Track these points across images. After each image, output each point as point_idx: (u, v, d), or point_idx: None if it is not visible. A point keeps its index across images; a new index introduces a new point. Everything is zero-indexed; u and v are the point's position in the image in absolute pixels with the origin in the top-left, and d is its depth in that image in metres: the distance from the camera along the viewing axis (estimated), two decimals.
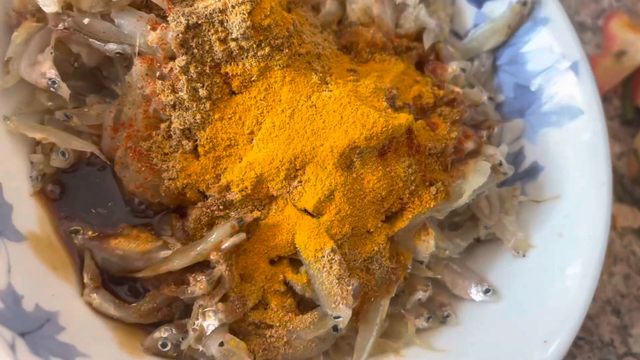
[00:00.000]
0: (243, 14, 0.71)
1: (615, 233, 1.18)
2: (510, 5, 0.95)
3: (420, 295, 0.83)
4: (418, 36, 0.94)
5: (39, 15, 0.74)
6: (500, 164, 0.85)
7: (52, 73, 0.72)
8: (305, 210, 0.75)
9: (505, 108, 0.98)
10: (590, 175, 0.87)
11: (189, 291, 0.71)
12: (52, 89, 0.73)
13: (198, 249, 0.71)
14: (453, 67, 0.92)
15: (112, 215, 0.79)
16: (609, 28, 1.32)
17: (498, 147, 0.90)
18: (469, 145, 0.85)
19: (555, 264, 0.85)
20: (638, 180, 1.19)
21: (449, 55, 0.95)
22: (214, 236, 0.72)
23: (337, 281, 0.73)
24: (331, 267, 0.73)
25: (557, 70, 0.92)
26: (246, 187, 0.74)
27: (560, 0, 0.95)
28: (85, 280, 0.73)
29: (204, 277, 0.71)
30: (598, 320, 1.10)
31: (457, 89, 0.88)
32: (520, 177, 0.93)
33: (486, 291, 0.85)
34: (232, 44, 0.73)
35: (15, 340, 0.57)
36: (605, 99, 1.28)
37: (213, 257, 0.71)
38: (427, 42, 0.92)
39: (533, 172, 0.93)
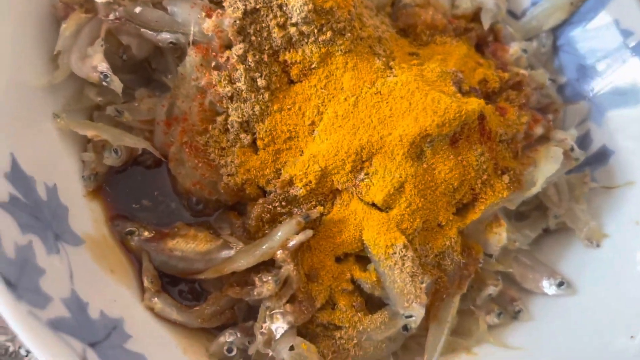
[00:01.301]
0: None
1: None
2: None
3: (491, 290, 0.79)
4: (475, 17, 0.90)
5: (88, 5, 0.70)
6: (572, 149, 0.81)
7: (104, 66, 0.69)
8: (374, 204, 0.71)
9: (568, 90, 0.93)
10: None
11: (255, 293, 0.67)
12: (104, 82, 0.69)
13: (264, 247, 0.67)
14: (515, 48, 0.88)
15: (167, 214, 0.75)
16: None
17: (566, 131, 0.85)
18: (538, 130, 0.81)
19: (633, 253, 0.80)
20: None
21: (508, 36, 0.90)
22: (280, 234, 0.67)
23: (410, 279, 0.68)
24: (403, 264, 0.68)
25: (625, 48, 0.87)
26: (310, 182, 0.70)
27: None
28: (146, 284, 0.69)
29: (270, 277, 0.67)
30: None
31: (523, 71, 0.83)
32: (589, 163, 0.87)
33: (560, 284, 0.81)
34: (292, 30, 0.69)
35: (86, 352, 0.54)
36: None
37: (279, 256, 0.67)
38: (485, 23, 0.87)
39: (602, 156, 0.88)
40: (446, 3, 0.88)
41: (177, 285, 0.73)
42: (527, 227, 0.84)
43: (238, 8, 0.67)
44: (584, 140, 0.89)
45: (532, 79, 0.84)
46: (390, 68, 0.73)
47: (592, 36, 0.90)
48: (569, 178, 0.85)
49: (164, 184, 0.76)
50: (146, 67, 0.77)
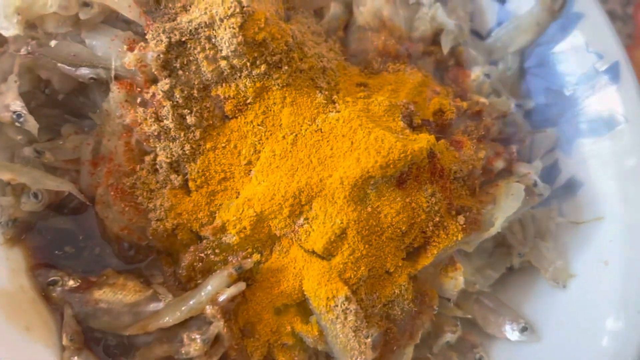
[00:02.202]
0: (233, 28, 0.61)
1: None
2: (538, 1, 0.84)
3: (449, 337, 0.74)
4: (435, 39, 0.84)
5: None
6: (535, 184, 0.75)
7: (18, 105, 0.64)
8: (314, 252, 0.65)
9: (536, 116, 0.88)
10: (634, 192, 0.77)
11: (183, 352, 0.62)
12: (17, 123, 0.63)
13: (191, 303, 0.62)
14: (476, 73, 0.82)
15: (95, 261, 0.70)
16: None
17: (530, 162, 0.80)
18: (499, 164, 0.76)
19: (601, 296, 0.75)
20: None
21: (470, 59, 0.85)
22: (209, 287, 0.62)
23: (353, 334, 0.63)
24: (346, 318, 0.63)
25: (594, 73, 0.82)
26: (245, 228, 0.64)
27: None
28: (64, 341, 0.64)
29: (198, 336, 0.61)
30: None
31: (482, 100, 0.78)
32: (557, 195, 0.83)
33: (523, 329, 0.76)
34: (223, 63, 0.63)
35: None
36: None
37: (209, 312, 0.62)
38: (445, 46, 0.82)
39: (571, 188, 0.82)
40: (403, 25, 0.82)
41: (103, 340, 0.67)
42: (489, 267, 0.79)
43: (161, 41, 0.62)
44: (551, 171, 0.84)
45: (494, 108, 0.79)
46: (334, 102, 0.68)
47: (561, 59, 0.85)
48: (535, 213, 0.80)
49: (92, 229, 0.70)
50: (73, 101, 0.72)
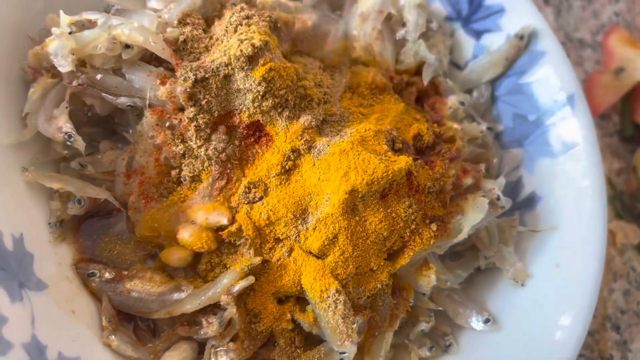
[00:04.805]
0: (245, 68, 0.74)
1: (615, 249, 1.20)
2: (507, 39, 0.97)
3: (423, 326, 0.87)
4: (418, 70, 0.97)
5: (54, 71, 0.77)
6: (498, 198, 0.88)
7: (69, 127, 0.76)
8: (311, 252, 0.78)
9: (505, 137, 1.00)
10: (586, 206, 0.89)
11: (202, 332, 0.75)
12: (68, 142, 0.76)
13: (209, 293, 0.75)
14: (452, 101, 0.95)
15: (127, 257, 0.82)
16: (608, 44, 1.34)
17: (497, 178, 0.92)
18: (468, 180, 0.88)
19: (553, 294, 0.87)
20: (637, 196, 1.21)
21: (448, 89, 0.97)
22: (224, 280, 0.75)
23: (342, 320, 0.76)
24: (336, 307, 0.76)
25: (554, 102, 0.95)
26: (254, 231, 0.77)
27: (559, 16, 0.96)
28: (104, 323, 0.77)
29: (215, 319, 0.75)
30: (598, 336, 1.13)
31: (456, 126, 0.91)
32: (519, 207, 0.95)
33: (486, 321, 0.88)
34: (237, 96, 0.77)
35: None
36: (605, 115, 1.30)
37: (224, 300, 0.75)
38: (425, 78, 0.95)
39: (531, 202, 0.95)
40: (390, 59, 0.95)
41: (132, 323, 0.80)
42: (459, 267, 0.92)
43: (189, 77, 0.75)
44: (515, 186, 0.97)
45: (466, 132, 0.92)
46: (330, 129, 0.81)
47: (527, 89, 0.98)
48: (500, 222, 0.93)
49: (124, 229, 0.83)
50: (110, 122, 0.85)
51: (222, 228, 0.78)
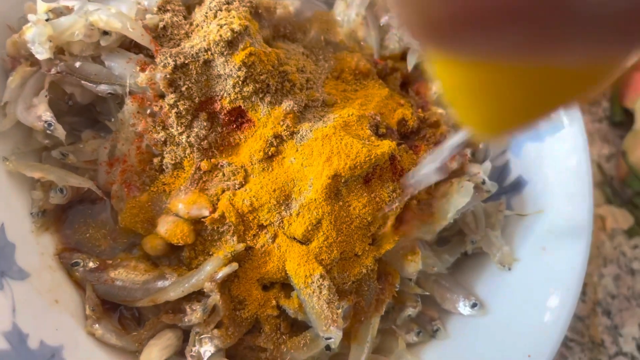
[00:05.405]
0: (225, 53, 0.74)
1: (605, 234, 1.20)
2: None
3: (410, 311, 0.87)
4: (403, 56, 0.97)
5: (32, 59, 0.77)
6: (484, 182, 0.88)
7: (48, 115, 0.75)
8: (295, 238, 0.78)
9: None
10: (571, 186, 0.89)
11: (186, 320, 0.75)
12: (48, 131, 0.76)
13: (193, 280, 0.75)
14: (437, 86, 0.95)
15: (110, 246, 0.82)
16: None
17: (483, 162, 0.92)
18: (453, 165, 0.88)
19: (539, 277, 0.87)
20: (627, 181, 1.21)
21: (432, 74, 0.97)
22: (207, 267, 0.75)
23: (327, 305, 0.76)
24: (321, 292, 0.76)
25: None
26: (237, 217, 0.77)
27: None
28: (87, 312, 0.76)
29: (199, 306, 0.74)
30: (589, 321, 1.13)
31: (440, 111, 0.91)
32: (506, 191, 0.95)
33: (473, 305, 0.88)
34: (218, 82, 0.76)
35: None
36: (594, 101, 1.30)
37: (207, 287, 0.74)
38: (410, 64, 0.94)
39: (518, 186, 0.95)
40: (375, 45, 0.95)
41: (118, 312, 0.80)
42: (446, 252, 0.91)
43: (168, 64, 0.75)
44: (503, 170, 0.97)
45: (451, 117, 0.92)
46: (313, 114, 0.81)
47: None
48: (486, 206, 0.93)
49: (109, 219, 0.83)
50: (92, 110, 0.84)
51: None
